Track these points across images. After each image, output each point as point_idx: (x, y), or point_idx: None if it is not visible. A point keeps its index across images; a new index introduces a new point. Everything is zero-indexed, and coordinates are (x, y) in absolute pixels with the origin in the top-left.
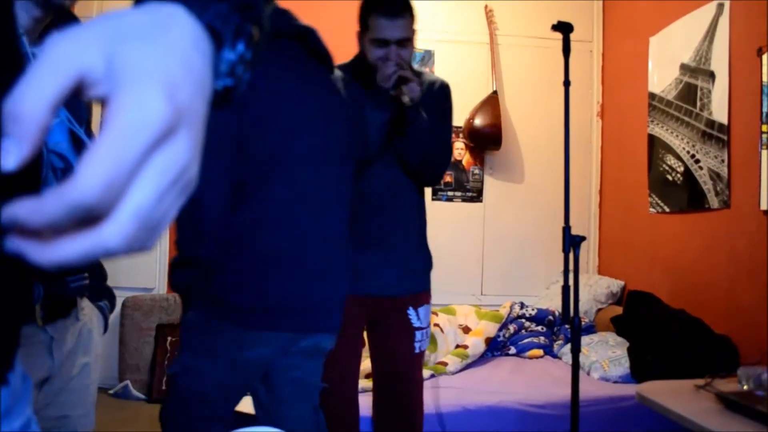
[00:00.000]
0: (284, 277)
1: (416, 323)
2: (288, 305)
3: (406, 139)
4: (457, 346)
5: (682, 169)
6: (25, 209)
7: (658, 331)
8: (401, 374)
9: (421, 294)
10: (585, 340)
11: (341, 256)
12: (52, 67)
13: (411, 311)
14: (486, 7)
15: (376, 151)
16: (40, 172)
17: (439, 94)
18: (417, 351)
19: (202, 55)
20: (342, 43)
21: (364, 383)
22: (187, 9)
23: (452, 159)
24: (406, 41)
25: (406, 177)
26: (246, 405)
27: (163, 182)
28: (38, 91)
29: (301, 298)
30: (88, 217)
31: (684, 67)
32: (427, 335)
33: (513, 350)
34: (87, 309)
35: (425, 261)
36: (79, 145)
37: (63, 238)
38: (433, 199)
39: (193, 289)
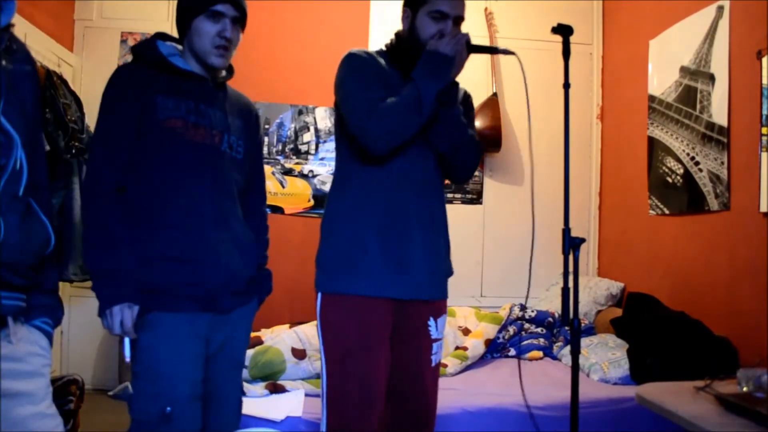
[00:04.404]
0: None
1: (434, 335)
2: None
3: (441, 126)
4: (457, 348)
5: (681, 171)
6: None
7: (657, 333)
8: (415, 388)
9: (443, 302)
10: (585, 341)
11: None
12: None
13: (431, 322)
14: (486, 9)
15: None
16: None
17: (468, 102)
18: (434, 364)
19: None
20: (343, 43)
21: None
22: None
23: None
24: (461, 21)
25: (439, 176)
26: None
27: None
28: None
29: None
30: None
31: (684, 70)
32: (441, 346)
33: (513, 352)
34: (21, 333)
35: (450, 266)
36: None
37: None
38: None
39: None
